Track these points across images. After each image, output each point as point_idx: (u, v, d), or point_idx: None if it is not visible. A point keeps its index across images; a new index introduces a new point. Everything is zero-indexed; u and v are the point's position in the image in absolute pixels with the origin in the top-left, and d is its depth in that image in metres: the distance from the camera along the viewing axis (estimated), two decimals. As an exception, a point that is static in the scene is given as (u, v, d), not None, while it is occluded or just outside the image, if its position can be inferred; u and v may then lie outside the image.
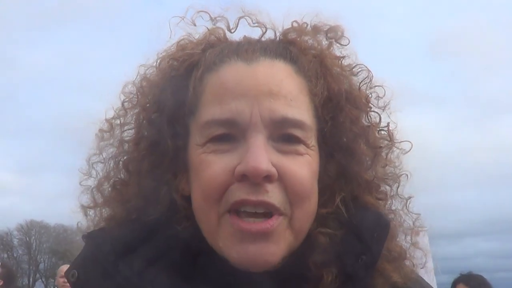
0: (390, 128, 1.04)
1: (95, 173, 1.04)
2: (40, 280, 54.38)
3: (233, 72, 0.91)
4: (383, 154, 1.03)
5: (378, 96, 1.04)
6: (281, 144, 0.88)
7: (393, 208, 1.03)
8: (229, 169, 0.85)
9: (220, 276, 0.89)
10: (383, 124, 1.04)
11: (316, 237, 0.91)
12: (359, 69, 1.04)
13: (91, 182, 1.04)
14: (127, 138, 1.02)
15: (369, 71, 1.04)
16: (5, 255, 52.77)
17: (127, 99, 1.03)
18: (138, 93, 1.02)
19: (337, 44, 1.03)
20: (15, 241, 55.37)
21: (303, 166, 0.89)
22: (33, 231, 54.94)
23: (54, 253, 50.99)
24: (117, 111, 1.04)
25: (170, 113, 0.95)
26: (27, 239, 54.85)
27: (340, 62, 1.02)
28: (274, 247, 0.85)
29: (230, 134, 0.88)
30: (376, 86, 1.03)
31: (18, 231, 54.85)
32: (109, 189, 1.01)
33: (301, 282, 0.90)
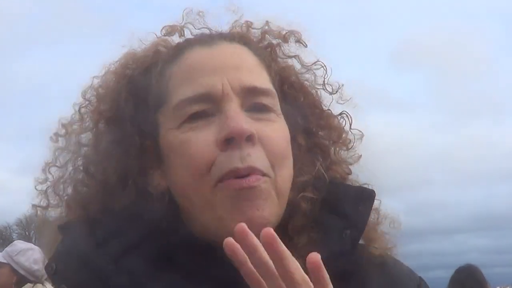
0: (348, 117, 1.06)
1: (51, 178, 1.03)
2: (39, 274, 54.59)
3: (197, 55, 0.96)
4: (343, 136, 1.05)
5: (333, 89, 1.06)
6: (253, 113, 0.91)
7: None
8: (212, 141, 0.87)
9: (196, 259, 0.88)
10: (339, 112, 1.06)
11: (298, 203, 0.93)
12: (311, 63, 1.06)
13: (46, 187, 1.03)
14: (84, 142, 1.01)
15: (324, 66, 1.06)
16: (5, 250, 52.90)
17: (84, 105, 1.04)
18: (94, 99, 1.03)
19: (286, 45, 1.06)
20: (15, 236, 55.53)
21: (278, 131, 0.93)
22: (32, 226, 55.08)
23: (54, 247, 50.96)
24: (73, 117, 1.04)
25: (132, 113, 0.97)
26: (27, 233, 54.89)
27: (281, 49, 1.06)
28: (263, 203, 0.86)
29: (205, 111, 0.90)
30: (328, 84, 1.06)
31: (18, 226, 55.02)
32: (68, 190, 1.00)
33: None
